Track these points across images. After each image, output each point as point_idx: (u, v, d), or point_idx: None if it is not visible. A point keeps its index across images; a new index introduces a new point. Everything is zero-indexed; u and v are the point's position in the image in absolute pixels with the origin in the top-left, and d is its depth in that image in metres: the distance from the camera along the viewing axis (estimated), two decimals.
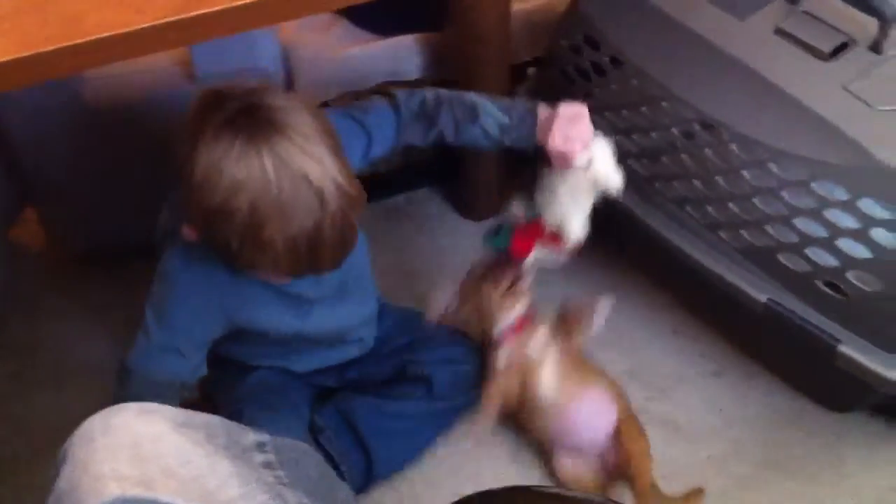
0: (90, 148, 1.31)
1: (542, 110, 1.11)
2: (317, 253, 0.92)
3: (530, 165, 1.52)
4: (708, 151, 1.18)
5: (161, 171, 1.38)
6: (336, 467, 1.10)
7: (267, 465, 0.67)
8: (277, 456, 0.68)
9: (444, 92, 1.13)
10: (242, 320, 1.07)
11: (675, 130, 1.21)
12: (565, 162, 1.10)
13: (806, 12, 1.17)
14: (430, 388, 1.22)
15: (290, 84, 1.37)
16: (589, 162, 1.10)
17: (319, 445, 1.14)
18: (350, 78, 1.38)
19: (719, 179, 1.18)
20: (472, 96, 1.13)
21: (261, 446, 0.68)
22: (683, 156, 1.21)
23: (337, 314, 1.17)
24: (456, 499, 0.83)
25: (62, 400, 1.32)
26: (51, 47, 0.77)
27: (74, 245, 1.48)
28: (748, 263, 1.18)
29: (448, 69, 1.42)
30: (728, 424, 1.27)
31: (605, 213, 1.30)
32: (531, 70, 1.49)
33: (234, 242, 0.91)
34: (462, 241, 1.50)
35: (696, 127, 1.19)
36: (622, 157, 1.27)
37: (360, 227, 0.99)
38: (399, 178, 1.57)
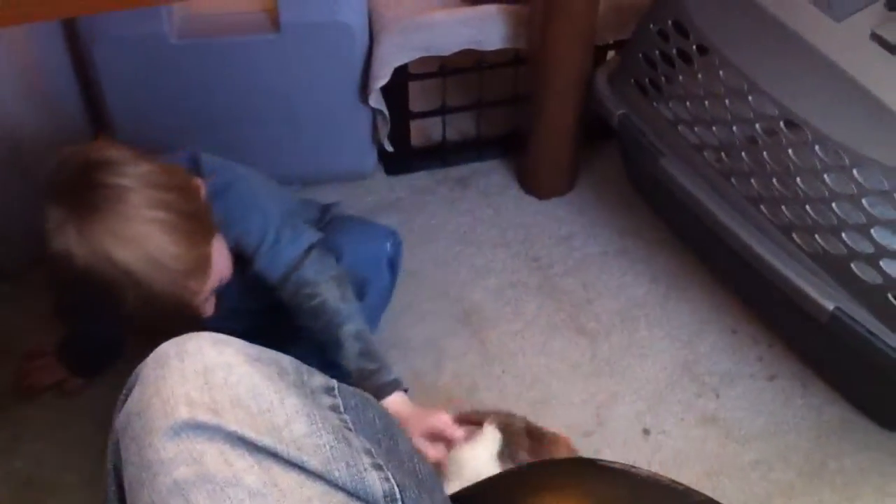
0: (169, 84, 1.32)
1: (398, 398, 1.05)
2: (165, 318, 0.97)
3: (607, 143, 1.51)
4: (790, 151, 1.16)
5: (238, 111, 1.39)
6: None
7: (334, 409, 0.67)
8: (343, 401, 0.68)
9: (331, 304, 1.09)
10: None
11: (757, 126, 1.19)
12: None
13: None
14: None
15: (371, 43, 1.36)
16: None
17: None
18: (431, 42, 1.37)
19: (798, 181, 1.15)
20: (348, 328, 1.08)
21: (329, 390, 0.68)
22: (764, 153, 1.18)
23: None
24: None
25: None
26: None
27: None
28: (818, 270, 1.16)
29: (530, 43, 1.40)
30: (777, 430, 1.25)
31: (674, 203, 1.29)
32: (611, 53, 1.47)
33: None
34: (524, 218, 1.49)
35: (781, 125, 1.16)
36: (700, 149, 1.26)
37: None
38: (470, 147, 1.57)
